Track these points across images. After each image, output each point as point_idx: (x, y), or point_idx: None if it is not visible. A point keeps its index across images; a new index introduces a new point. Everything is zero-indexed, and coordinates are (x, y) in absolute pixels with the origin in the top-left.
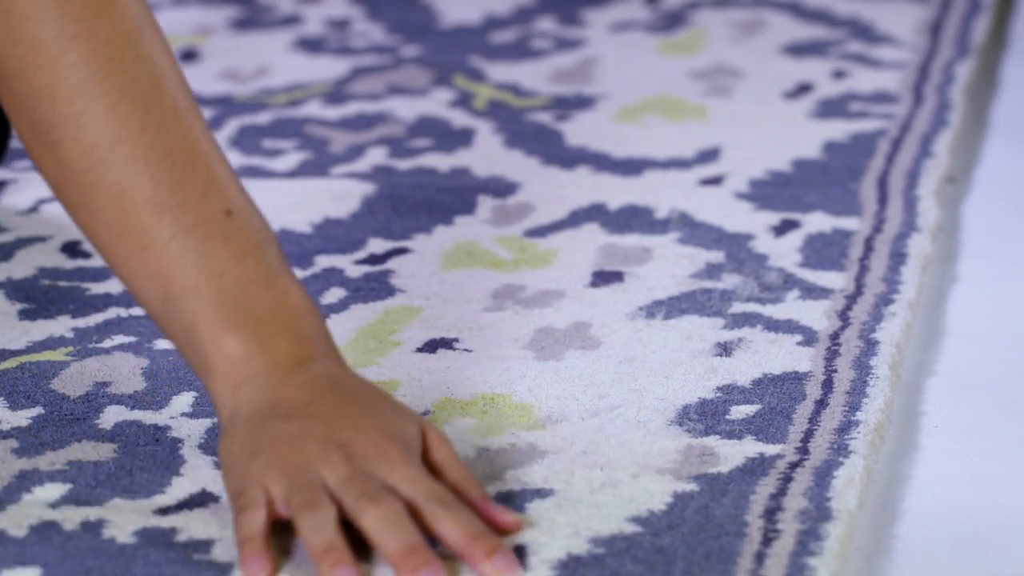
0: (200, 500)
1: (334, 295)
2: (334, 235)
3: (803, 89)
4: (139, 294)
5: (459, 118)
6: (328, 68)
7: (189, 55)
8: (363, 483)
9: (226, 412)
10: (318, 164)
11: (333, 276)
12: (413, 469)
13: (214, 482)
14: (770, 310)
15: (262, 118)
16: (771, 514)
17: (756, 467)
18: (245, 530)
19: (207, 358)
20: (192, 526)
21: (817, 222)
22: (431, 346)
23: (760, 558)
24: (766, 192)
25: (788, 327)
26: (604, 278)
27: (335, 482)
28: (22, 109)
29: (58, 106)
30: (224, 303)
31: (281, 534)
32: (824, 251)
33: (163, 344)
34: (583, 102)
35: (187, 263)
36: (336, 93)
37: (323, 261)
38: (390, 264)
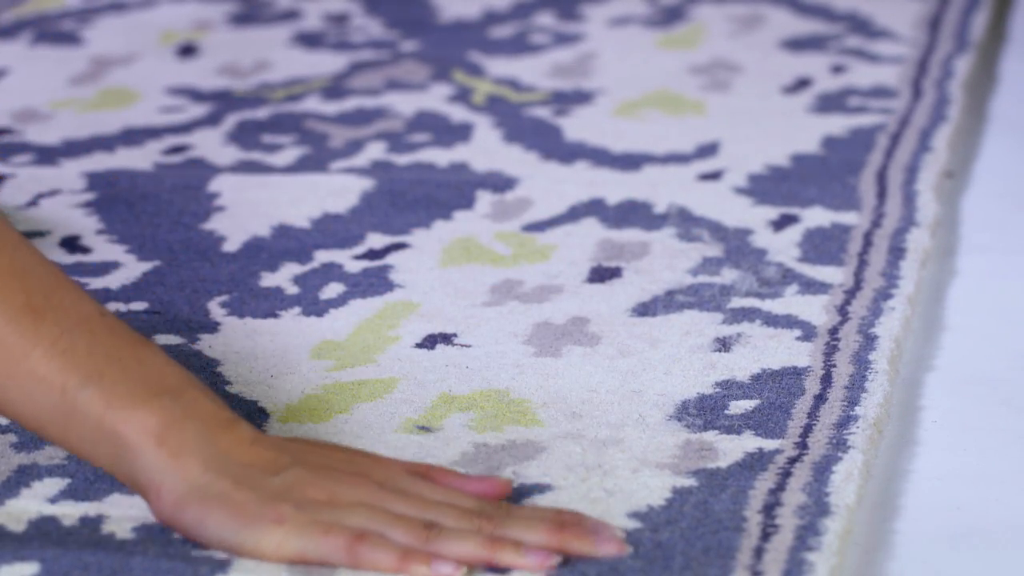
0: None
1: (333, 290)
2: (333, 230)
3: (802, 84)
4: (26, 403)
5: (458, 113)
6: (327, 63)
7: (188, 50)
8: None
9: (174, 483)
10: (317, 159)
11: (332, 271)
12: (413, 482)
13: None
14: (769, 305)
15: (261, 113)
16: (770, 509)
17: (755, 462)
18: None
19: (126, 438)
20: None
21: (816, 217)
22: (430, 341)
23: (759, 553)
24: (765, 187)
25: (787, 322)
26: (603, 273)
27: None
28: None
29: None
30: (133, 380)
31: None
32: (823, 246)
33: (163, 340)
34: (582, 97)
35: (81, 354)
36: (335, 88)
37: (322, 256)
38: (389, 259)
